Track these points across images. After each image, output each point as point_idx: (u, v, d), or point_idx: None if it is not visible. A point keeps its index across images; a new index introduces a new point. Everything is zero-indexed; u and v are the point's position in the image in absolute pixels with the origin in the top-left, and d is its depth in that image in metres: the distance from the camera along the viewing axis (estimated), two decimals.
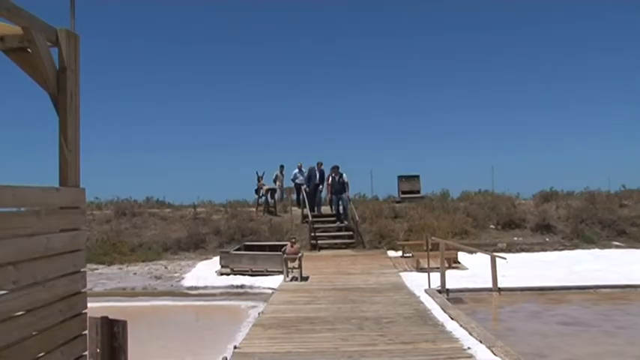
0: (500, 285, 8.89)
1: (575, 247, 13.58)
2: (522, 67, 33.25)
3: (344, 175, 14.64)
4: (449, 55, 34.56)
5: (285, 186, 16.98)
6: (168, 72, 35.00)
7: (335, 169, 14.61)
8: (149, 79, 35.07)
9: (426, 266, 9.32)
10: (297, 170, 16.81)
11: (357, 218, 14.36)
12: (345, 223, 14.29)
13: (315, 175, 15.27)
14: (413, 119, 34.09)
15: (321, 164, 15.67)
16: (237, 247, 12.19)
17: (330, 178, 14.44)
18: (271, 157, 32.61)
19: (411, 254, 12.15)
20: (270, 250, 11.75)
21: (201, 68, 34.95)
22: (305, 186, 15.46)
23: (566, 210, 15.42)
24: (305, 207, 15.01)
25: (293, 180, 16.71)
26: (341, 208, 14.60)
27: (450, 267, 10.57)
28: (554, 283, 9.36)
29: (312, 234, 14.11)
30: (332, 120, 34.94)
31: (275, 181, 16.75)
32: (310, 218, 14.22)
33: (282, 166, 17.14)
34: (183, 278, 10.90)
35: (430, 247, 9.39)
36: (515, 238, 14.27)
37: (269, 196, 16.53)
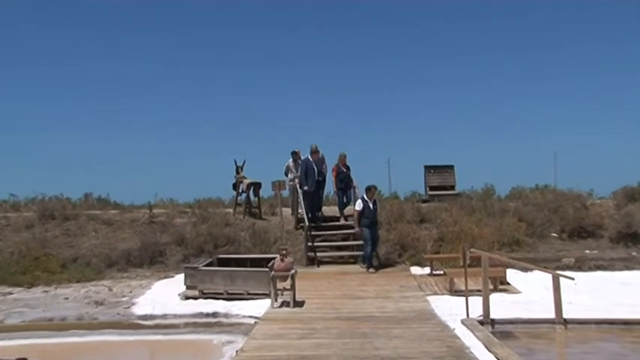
0: (566, 315, 8.82)
1: None
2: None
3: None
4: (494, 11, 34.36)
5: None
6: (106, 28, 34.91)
7: (371, 190, 13.50)
8: (84, 35, 34.99)
9: (464, 288, 9.27)
10: (290, 161, 16.63)
11: None
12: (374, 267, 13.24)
13: (313, 169, 15.06)
14: (443, 91, 33.97)
15: (316, 151, 15.31)
16: (209, 261, 12.15)
17: (363, 204, 13.29)
18: (256, 143, 32.55)
19: (442, 271, 12.14)
20: (252, 266, 11.73)
21: (164, 28, 34.88)
22: (298, 182, 15.33)
23: None
24: (300, 208, 14.95)
25: (286, 174, 16.59)
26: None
27: (495, 289, 10.56)
28: None
29: (310, 244, 14.07)
30: (334, 93, 34.86)
31: (287, 174, 16.58)
32: (307, 223, 14.15)
33: (295, 153, 16.33)
34: (134, 304, 10.88)
35: (469, 262, 9.34)
36: (588, 252, 14.22)
37: (252, 192, 16.44)
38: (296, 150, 16.45)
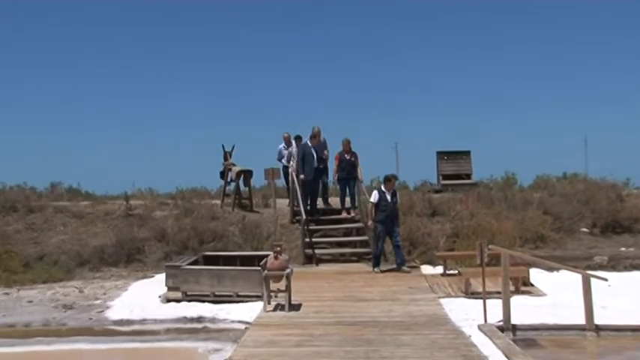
0: (598, 321, 8.82)
1: None
2: None
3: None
4: None
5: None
6: None
7: (391, 181, 13.22)
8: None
9: (481, 290, 9.28)
10: (282, 145, 16.64)
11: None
12: (406, 269, 13.05)
13: (312, 155, 15.03)
14: (457, 66, 33.87)
15: (318, 135, 15.28)
16: (193, 259, 12.17)
17: (378, 195, 13.08)
18: (247, 125, 32.57)
19: (457, 271, 12.19)
20: (242, 264, 11.76)
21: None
22: (293, 169, 15.34)
23: None
24: (296, 199, 14.93)
25: (279, 160, 16.62)
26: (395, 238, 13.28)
27: (517, 291, 10.59)
28: None
29: (307, 240, 14.10)
30: (333, 68, 34.82)
31: (280, 159, 16.61)
32: (304, 216, 14.13)
33: (297, 137, 16.31)
34: (108, 307, 10.88)
35: (487, 260, 9.34)
36: (623, 249, 14.23)
37: (242, 181, 16.43)
38: (297, 135, 16.42)
